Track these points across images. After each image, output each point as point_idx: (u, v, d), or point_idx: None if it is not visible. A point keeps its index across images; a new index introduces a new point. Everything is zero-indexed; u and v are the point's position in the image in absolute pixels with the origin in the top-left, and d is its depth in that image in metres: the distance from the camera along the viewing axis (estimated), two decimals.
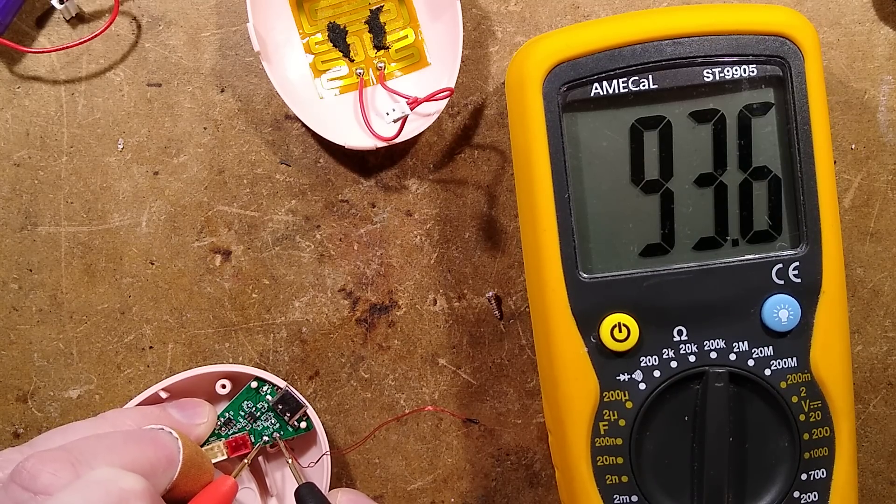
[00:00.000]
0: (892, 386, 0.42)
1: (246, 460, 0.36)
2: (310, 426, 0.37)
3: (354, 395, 0.41)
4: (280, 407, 0.37)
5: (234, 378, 0.37)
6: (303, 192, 0.41)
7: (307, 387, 0.41)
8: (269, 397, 0.37)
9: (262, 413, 0.37)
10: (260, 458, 0.38)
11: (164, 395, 0.37)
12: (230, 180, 0.41)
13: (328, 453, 0.36)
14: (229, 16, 0.41)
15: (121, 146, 0.41)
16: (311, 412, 0.37)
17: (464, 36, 0.38)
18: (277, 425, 0.37)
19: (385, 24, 0.40)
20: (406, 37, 0.40)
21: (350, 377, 0.41)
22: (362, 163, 0.41)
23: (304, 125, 0.40)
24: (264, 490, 0.37)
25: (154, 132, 0.41)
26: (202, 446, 0.36)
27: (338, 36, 0.40)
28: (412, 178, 0.41)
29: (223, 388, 0.37)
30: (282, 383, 0.36)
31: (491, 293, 0.41)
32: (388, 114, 0.39)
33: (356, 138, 0.39)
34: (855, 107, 0.41)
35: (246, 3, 0.38)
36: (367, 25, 0.40)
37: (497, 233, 0.41)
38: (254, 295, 0.41)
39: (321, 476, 0.37)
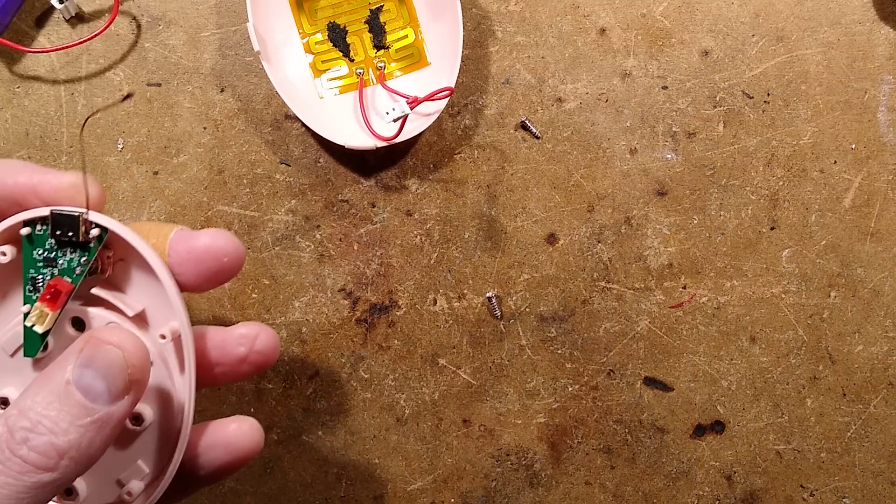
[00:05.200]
0: (893, 386, 0.42)
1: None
2: (104, 229, 0.30)
3: (354, 395, 0.41)
4: (59, 233, 0.30)
5: (8, 240, 0.31)
6: (303, 191, 0.41)
7: (307, 387, 0.41)
8: (48, 233, 0.30)
9: (55, 251, 0.31)
10: (95, 290, 0.32)
11: None
12: (230, 180, 0.41)
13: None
14: (229, 16, 0.41)
15: (120, 146, 0.41)
16: (94, 215, 0.30)
17: (464, 36, 0.38)
18: (77, 250, 0.31)
19: (385, 23, 0.40)
20: (406, 36, 0.40)
21: (350, 377, 0.41)
22: (362, 163, 0.41)
23: (304, 125, 0.40)
24: (123, 315, 0.32)
25: (154, 132, 0.41)
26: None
27: (338, 36, 0.40)
28: (412, 178, 0.41)
29: (3, 255, 0.30)
30: (44, 210, 0.30)
31: (491, 293, 0.41)
32: (388, 113, 0.39)
33: (356, 138, 0.39)
34: (855, 107, 0.41)
35: (246, 3, 0.38)
36: (367, 25, 0.40)
37: (497, 233, 0.41)
38: (254, 295, 0.41)
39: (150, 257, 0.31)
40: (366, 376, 0.41)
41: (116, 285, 0.32)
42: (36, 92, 0.41)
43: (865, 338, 0.42)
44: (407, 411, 0.41)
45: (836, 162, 0.41)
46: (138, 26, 0.41)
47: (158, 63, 0.41)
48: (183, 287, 0.30)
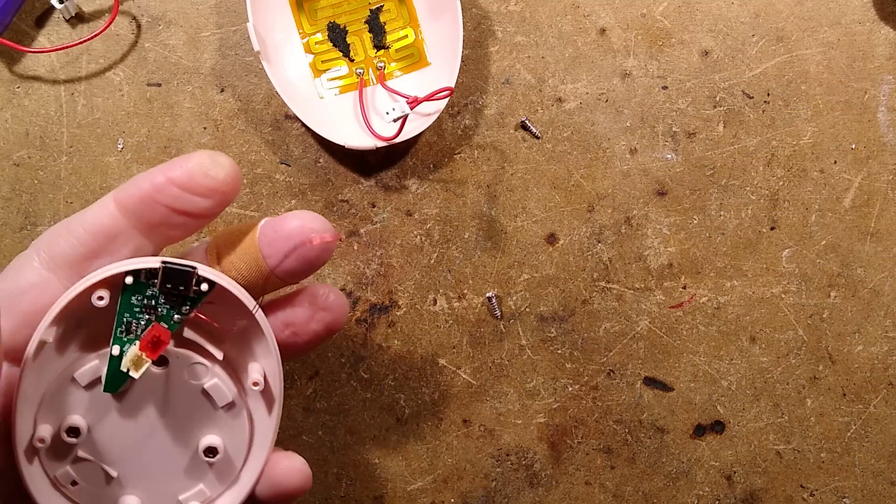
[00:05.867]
0: (893, 386, 0.42)
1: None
2: (212, 283, 0.30)
3: (354, 395, 0.41)
4: (169, 286, 0.30)
5: (107, 284, 0.30)
6: (303, 192, 0.41)
7: (307, 387, 0.41)
8: (154, 281, 0.30)
9: (156, 299, 0.31)
10: (186, 333, 0.32)
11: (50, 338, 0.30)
12: None
13: (259, 306, 0.30)
14: (229, 16, 0.41)
15: (121, 146, 0.41)
16: (205, 270, 0.30)
17: (464, 36, 0.38)
18: (179, 299, 0.31)
19: (385, 23, 0.40)
20: (406, 36, 0.40)
21: (350, 377, 0.41)
22: (362, 163, 0.41)
23: (304, 125, 0.40)
24: (213, 359, 0.32)
25: (154, 132, 0.41)
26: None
27: (338, 36, 0.40)
28: (412, 178, 0.41)
29: (101, 300, 0.30)
30: (155, 262, 0.30)
31: (491, 293, 0.41)
32: (387, 113, 0.39)
33: (356, 138, 0.39)
34: (855, 107, 0.41)
35: (246, 2, 0.38)
36: (367, 25, 0.40)
37: (497, 233, 0.41)
38: None
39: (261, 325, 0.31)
40: (366, 376, 0.41)
41: (200, 325, 0.32)
42: (36, 92, 0.41)
43: (865, 338, 0.42)
44: (407, 411, 0.41)
45: (836, 162, 0.41)
46: (138, 26, 0.41)
47: (158, 63, 0.41)
48: (276, 276, 0.30)
